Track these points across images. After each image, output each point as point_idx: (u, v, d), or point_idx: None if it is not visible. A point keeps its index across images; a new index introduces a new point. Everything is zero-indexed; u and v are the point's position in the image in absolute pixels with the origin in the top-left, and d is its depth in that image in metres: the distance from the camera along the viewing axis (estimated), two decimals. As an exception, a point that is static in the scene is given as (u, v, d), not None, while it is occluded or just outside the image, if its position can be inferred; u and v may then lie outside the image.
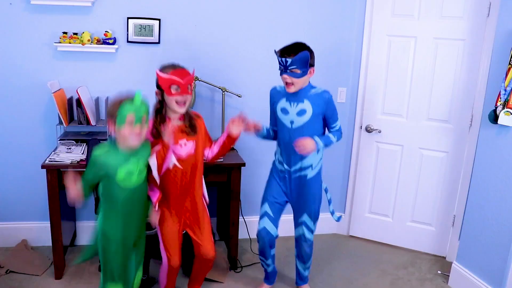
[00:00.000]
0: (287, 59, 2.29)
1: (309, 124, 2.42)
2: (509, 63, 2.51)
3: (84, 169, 2.12)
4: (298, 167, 2.52)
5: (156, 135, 2.23)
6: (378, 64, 3.36)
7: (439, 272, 3.20)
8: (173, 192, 2.34)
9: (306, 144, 2.36)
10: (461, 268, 2.95)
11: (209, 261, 2.52)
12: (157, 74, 2.18)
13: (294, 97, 2.42)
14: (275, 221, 2.62)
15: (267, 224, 2.59)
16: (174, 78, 2.16)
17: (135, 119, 1.98)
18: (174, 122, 2.25)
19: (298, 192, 2.59)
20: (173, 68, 2.20)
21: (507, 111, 2.52)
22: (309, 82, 2.44)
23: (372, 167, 3.53)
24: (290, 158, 2.52)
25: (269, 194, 2.62)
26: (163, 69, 2.21)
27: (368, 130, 3.45)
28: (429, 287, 3.02)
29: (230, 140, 2.37)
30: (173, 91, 2.16)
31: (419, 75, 3.24)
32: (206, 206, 2.51)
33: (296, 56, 2.27)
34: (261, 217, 2.63)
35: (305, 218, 2.62)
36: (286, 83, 2.36)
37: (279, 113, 2.49)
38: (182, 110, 2.22)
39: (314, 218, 2.65)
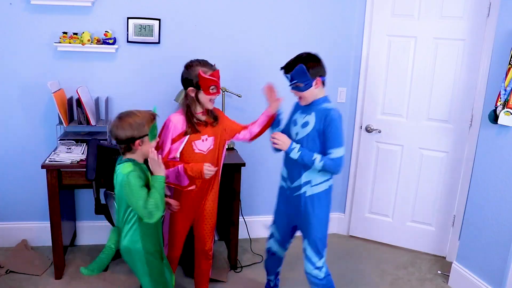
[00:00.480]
0: (287, 75, 2.28)
1: (309, 138, 2.27)
2: (509, 63, 2.51)
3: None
4: (298, 183, 2.34)
5: (189, 129, 2.30)
6: (378, 64, 3.36)
7: (439, 272, 3.20)
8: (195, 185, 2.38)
9: (281, 138, 2.27)
10: (461, 268, 2.95)
11: (205, 252, 2.54)
12: (200, 75, 2.22)
13: (306, 109, 2.34)
14: (282, 243, 2.56)
15: (273, 245, 2.58)
16: (215, 79, 2.27)
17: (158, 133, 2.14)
18: (198, 116, 2.34)
19: (297, 213, 2.39)
20: (211, 68, 2.28)
21: (507, 111, 2.52)
22: (324, 95, 2.31)
23: (372, 167, 3.53)
24: (292, 172, 2.37)
25: (275, 215, 2.57)
26: (201, 66, 2.25)
27: (368, 130, 3.45)
28: (429, 287, 3.01)
29: (271, 118, 2.50)
30: (211, 91, 2.27)
31: (419, 75, 3.24)
32: (217, 203, 2.54)
33: (292, 71, 2.24)
34: (269, 237, 2.62)
35: (305, 245, 2.36)
36: (298, 97, 2.35)
37: (291, 125, 2.42)
38: (212, 106, 2.34)
39: (316, 249, 2.32)
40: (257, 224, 3.54)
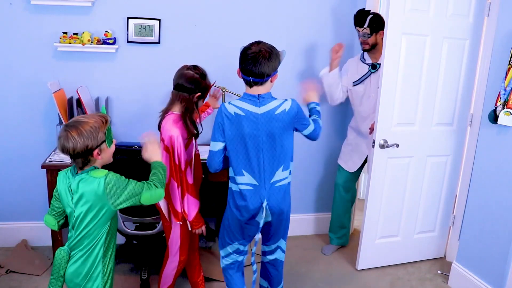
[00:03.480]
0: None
1: None
2: (509, 63, 2.51)
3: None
4: None
5: (196, 135, 2.36)
6: (390, 67, 2.86)
7: (439, 272, 3.20)
8: (196, 187, 2.43)
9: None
10: (461, 268, 2.95)
11: (196, 248, 2.61)
12: (210, 85, 2.36)
13: None
14: None
15: None
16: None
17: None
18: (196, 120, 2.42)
19: None
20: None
21: (507, 111, 2.52)
22: (267, 91, 2.22)
23: (385, 187, 3.07)
24: None
25: None
26: (207, 77, 2.37)
27: (385, 146, 2.94)
28: (429, 287, 3.01)
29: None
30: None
31: (429, 78, 2.98)
32: None
33: None
34: None
35: None
36: None
37: None
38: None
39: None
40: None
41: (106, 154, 1.85)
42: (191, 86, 2.27)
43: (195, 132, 2.32)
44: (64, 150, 1.76)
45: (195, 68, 2.32)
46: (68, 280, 1.88)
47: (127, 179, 1.83)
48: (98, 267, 1.88)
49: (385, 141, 2.94)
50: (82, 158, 1.78)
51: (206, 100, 2.44)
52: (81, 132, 1.74)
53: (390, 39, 2.80)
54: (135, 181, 1.83)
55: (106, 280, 1.91)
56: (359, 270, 3.17)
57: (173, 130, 2.22)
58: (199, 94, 2.29)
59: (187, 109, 2.28)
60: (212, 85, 2.41)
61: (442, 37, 2.96)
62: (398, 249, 3.26)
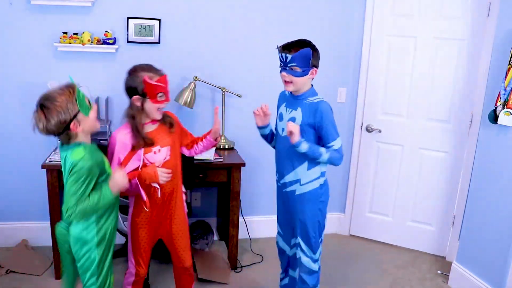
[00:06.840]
0: (287, 55, 2.12)
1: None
2: (509, 63, 2.51)
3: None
4: (287, 180, 2.28)
5: (138, 144, 2.11)
6: (378, 63, 3.35)
7: (439, 272, 3.20)
8: (152, 197, 2.19)
9: (294, 128, 2.08)
10: (461, 268, 2.95)
11: (186, 269, 2.40)
12: (145, 81, 2.02)
13: (291, 103, 2.24)
14: (287, 240, 2.49)
15: (279, 240, 2.54)
16: (162, 85, 2.06)
17: (90, 100, 1.85)
18: (147, 127, 2.14)
19: (287, 210, 2.37)
20: (157, 73, 2.08)
21: (507, 111, 2.52)
22: (311, 87, 2.23)
23: (372, 166, 3.54)
24: (280, 168, 2.32)
25: (277, 210, 2.50)
26: (146, 72, 2.06)
27: (369, 130, 3.46)
28: (429, 287, 3.02)
29: (213, 143, 2.33)
30: (158, 98, 2.07)
31: (419, 74, 3.24)
32: (186, 213, 2.37)
33: (296, 53, 2.10)
34: (277, 232, 2.57)
35: (299, 241, 2.34)
36: (285, 82, 2.19)
37: (277, 118, 2.34)
38: (160, 116, 2.14)
39: (310, 245, 2.32)
40: (257, 224, 3.54)
41: (87, 123, 1.80)
42: (127, 92, 2.13)
43: (139, 143, 2.10)
44: (39, 131, 1.75)
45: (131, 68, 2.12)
46: (74, 251, 1.89)
47: (87, 184, 1.75)
48: (91, 230, 1.87)
49: (369, 125, 3.45)
50: (63, 134, 1.76)
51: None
52: (49, 110, 1.72)
53: (377, 38, 3.14)
54: (77, 197, 1.75)
55: (101, 243, 1.91)
56: (351, 235, 3.68)
57: (117, 132, 2.15)
58: (135, 96, 2.08)
59: (131, 116, 2.11)
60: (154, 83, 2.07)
61: (432, 38, 3.13)
62: (390, 229, 3.57)
